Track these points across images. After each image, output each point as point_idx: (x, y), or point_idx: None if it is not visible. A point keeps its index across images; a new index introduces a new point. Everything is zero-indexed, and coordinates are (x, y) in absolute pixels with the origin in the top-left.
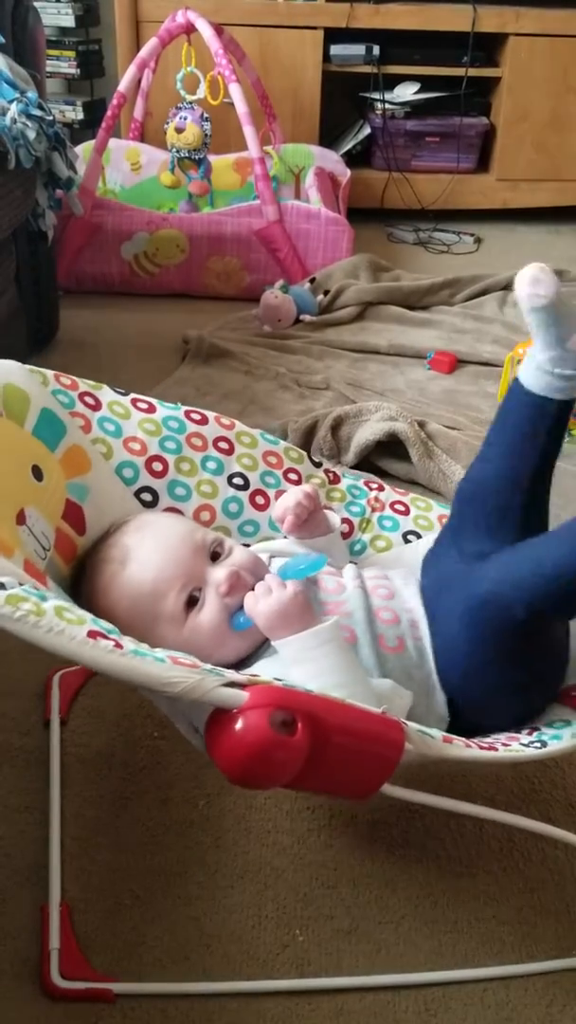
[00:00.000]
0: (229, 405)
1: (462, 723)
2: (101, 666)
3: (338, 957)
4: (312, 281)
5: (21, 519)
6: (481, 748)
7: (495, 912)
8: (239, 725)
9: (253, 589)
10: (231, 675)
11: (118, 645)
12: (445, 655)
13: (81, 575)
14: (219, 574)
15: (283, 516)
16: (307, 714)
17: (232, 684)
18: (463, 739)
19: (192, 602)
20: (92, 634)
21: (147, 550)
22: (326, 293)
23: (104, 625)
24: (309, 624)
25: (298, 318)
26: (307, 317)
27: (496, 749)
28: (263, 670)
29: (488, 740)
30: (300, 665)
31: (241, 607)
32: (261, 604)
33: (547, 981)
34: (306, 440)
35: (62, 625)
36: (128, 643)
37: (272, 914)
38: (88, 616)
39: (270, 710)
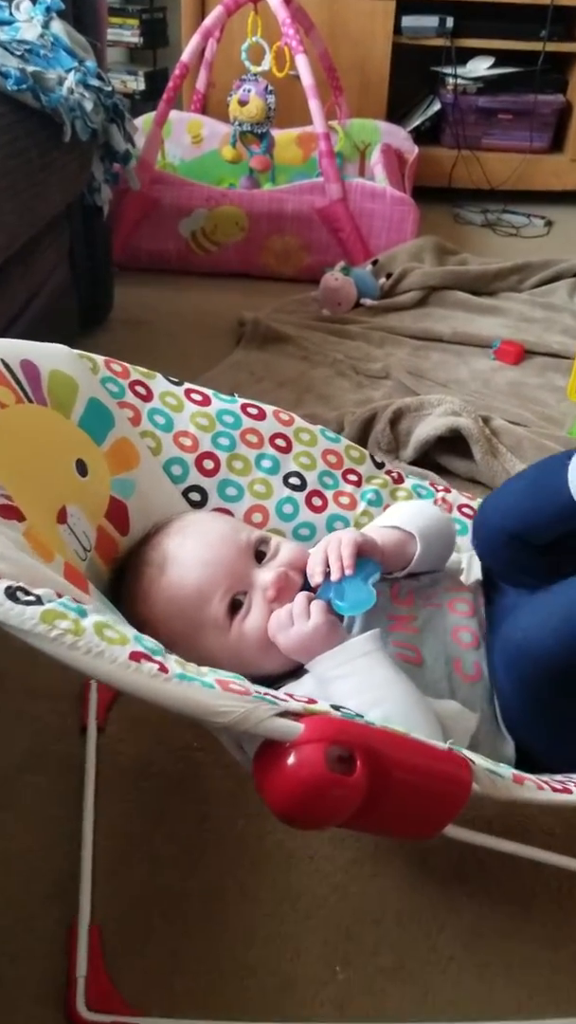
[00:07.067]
0: (284, 393)
1: (533, 763)
2: (143, 693)
3: (382, 998)
4: (374, 263)
5: (62, 517)
6: (554, 790)
7: (550, 958)
8: (292, 760)
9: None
10: (285, 704)
11: (163, 668)
12: (501, 695)
13: (121, 579)
14: (265, 577)
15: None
16: (367, 750)
17: (286, 713)
18: (535, 778)
19: (236, 607)
20: (135, 656)
21: (188, 553)
22: (388, 276)
23: (148, 644)
24: (336, 645)
25: (358, 302)
26: (368, 301)
27: (570, 791)
28: (310, 685)
29: (559, 779)
30: (330, 684)
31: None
32: (281, 636)
33: None
34: (363, 433)
35: (102, 646)
36: (174, 665)
37: (312, 947)
38: (131, 633)
39: (326, 745)
